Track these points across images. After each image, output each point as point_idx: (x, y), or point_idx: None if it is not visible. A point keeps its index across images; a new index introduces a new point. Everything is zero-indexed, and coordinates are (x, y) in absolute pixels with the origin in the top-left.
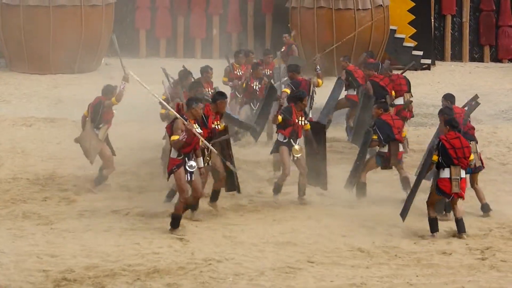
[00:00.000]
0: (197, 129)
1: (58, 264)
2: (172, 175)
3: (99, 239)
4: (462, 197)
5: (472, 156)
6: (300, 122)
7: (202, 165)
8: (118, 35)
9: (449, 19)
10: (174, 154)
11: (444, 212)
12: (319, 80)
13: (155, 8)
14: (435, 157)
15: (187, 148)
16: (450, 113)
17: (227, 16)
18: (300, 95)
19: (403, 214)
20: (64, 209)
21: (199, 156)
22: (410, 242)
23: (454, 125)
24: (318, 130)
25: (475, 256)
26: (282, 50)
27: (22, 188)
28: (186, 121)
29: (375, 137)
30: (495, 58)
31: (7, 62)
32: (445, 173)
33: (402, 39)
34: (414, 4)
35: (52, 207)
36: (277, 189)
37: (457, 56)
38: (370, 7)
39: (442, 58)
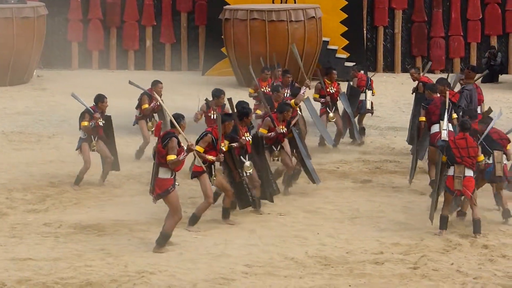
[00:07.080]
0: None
1: None
2: None
3: (31, 252)
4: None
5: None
6: (246, 138)
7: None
8: (50, 47)
9: (381, 30)
10: None
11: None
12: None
13: (87, 20)
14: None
15: None
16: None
17: (160, 28)
18: (246, 111)
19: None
20: None
21: None
22: (343, 251)
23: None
24: (256, 142)
25: (407, 265)
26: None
27: None
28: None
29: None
30: (428, 69)
31: None
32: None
33: (335, 51)
34: (347, 15)
35: None
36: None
37: (389, 67)
38: (303, 19)
39: (375, 69)
